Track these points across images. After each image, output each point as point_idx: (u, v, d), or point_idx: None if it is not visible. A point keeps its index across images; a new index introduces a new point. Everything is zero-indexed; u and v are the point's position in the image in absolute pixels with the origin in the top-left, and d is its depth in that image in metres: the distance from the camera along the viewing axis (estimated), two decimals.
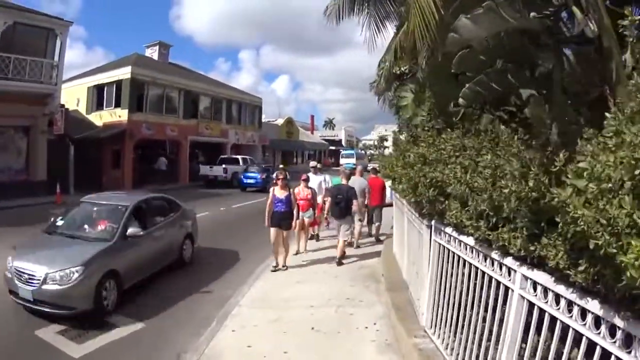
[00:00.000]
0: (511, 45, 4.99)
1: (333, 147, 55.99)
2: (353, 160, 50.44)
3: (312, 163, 11.56)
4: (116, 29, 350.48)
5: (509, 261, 2.85)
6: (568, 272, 2.20)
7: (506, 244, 2.76)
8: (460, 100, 4.97)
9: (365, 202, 9.88)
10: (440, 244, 4.23)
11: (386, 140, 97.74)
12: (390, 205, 12.08)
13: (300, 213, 8.71)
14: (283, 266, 7.99)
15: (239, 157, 26.66)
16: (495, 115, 5.44)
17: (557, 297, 2.39)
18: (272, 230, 7.85)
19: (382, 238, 10.12)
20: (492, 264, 3.11)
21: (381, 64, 14.01)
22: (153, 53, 29.55)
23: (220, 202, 18.05)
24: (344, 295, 6.56)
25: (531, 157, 2.68)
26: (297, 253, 8.92)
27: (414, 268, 5.60)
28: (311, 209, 9.00)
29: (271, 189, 8.13)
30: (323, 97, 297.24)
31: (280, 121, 44.70)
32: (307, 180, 9.02)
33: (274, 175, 6.72)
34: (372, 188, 10.04)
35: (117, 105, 23.40)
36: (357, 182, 9.53)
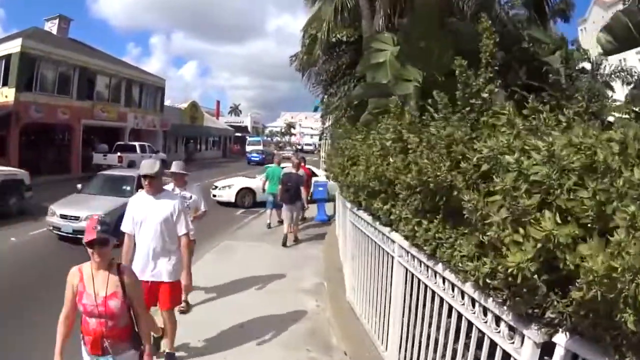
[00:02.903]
0: None
1: (239, 134, 55.73)
2: (260, 147, 50.56)
3: (176, 165, 5.45)
4: (31, 11, 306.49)
5: None
6: None
7: None
8: (604, 39, 2.61)
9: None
10: None
11: (293, 127, 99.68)
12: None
13: None
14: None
15: (137, 144, 25.49)
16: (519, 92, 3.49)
17: None
18: None
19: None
20: None
21: (307, 33, 12.95)
22: (52, 27, 27.11)
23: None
24: None
25: None
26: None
27: None
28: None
29: None
30: (230, 83, 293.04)
31: (184, 105, 43.49)
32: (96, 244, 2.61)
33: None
34: None
35: (5, 83, 21.20)
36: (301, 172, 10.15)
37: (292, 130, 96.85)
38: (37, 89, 22.41)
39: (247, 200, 14.99)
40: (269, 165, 12.68)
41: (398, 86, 4.71)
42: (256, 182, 14.63)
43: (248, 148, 51.75)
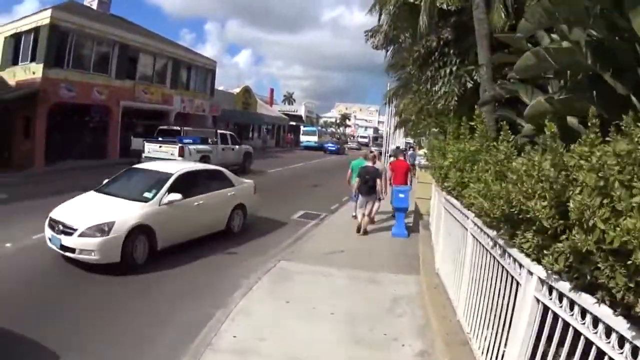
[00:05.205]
0: None
1: (293, 123, 52.48)
2: (315, 138, 47.93)
3: None
4: None
5: None
6: None
7: None
8: None
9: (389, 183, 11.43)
10: None
11: (348, 119, 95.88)
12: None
13: None
14: None
15: (184, 128, 21.85)
16: None
17: None
18: None
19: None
20: None
21: (387, 2, 11.39)
22: (92, 2, 24.89)
23: None
24: None
25: None
26: None
27: None
28: None
29: None
30: (283, 72, 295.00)
31: (236, 90, 40.60)
32: None
33: None
34: (396, 170, 11.51)
35: (33, 59, 18.90)
36: (377, 165, 10.70)
37: (347, 122, 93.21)
38: (70, 66, 19.81)
39: (140, 250, 6.97)
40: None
41: None
42: (155, 213, 7.25)
43: (303, 138, 49.05)
